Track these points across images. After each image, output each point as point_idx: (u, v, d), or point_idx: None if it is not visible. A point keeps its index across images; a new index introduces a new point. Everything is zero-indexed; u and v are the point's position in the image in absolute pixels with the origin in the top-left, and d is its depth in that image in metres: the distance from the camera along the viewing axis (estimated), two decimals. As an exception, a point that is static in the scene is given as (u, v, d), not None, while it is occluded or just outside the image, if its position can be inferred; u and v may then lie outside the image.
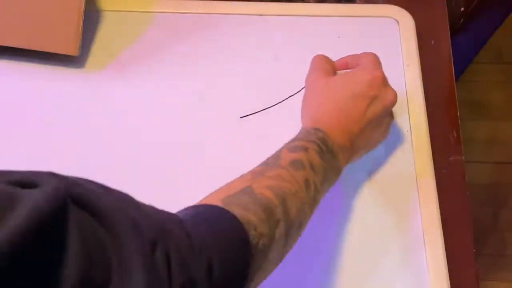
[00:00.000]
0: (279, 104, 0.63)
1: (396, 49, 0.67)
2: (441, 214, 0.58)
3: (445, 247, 0.56)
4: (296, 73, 0.65)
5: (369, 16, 0.69)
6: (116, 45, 0.67)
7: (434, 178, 0.59)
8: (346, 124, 0.51)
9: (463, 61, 1.23)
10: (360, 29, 0.68)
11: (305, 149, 0.48)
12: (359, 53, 0.57)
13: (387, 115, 0.55)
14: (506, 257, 1.37)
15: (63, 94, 0.64)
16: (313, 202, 0.47)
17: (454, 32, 1.02)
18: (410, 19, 0.69)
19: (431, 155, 0.61)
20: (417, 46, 0.67)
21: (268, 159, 0.48)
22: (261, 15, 0.69)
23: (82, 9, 0.63)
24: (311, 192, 0.46)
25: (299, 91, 0.64)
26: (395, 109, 0.63)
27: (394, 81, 0.64)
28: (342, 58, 0.58)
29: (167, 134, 0.62)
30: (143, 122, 0.63)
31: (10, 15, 0.63)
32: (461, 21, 1.01)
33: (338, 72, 0.58)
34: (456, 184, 0.61)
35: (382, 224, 0.57)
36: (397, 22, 0.68)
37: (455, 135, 0.63)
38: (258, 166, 0.47)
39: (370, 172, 0.60)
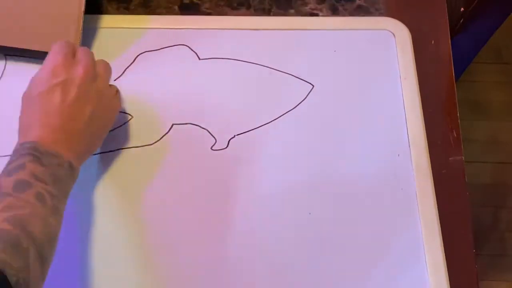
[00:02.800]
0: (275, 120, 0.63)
1: (392, 62, 0.66)
2: (441, 214, 0.58)
3: (445, 247, 0.56)
4: (292, 88, 0.64)
5: (365, 29, 0.68)
6: (116, 45, 0.67)
7: (432, 179, 0.59)
8: (47, 121, 0.50)
9: (463, 61, 1.23)
10: (356, 42, 0.67)
11: (22, 166, 0.47)
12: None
13: (91, 86, 0.53)
14: (506, 257, 1.37)
15: (63, 94, 0.64)
16: (56, 210, 0.46)
17: (454, 32, 1.02)
18: (406, 31, 0.68)
19: (429, 161, 0.60)
20: (413, 58, 0.66)
21: None
22: (256, 29, 0.68)
23: (82, 9, 0.63)
24: (49, 202, 0.46)
25: (295, 107, 0.63)
26: (392, 119, 0.62)
27: (391, 94, 0.64)
28: None
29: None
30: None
31: (10, 15, 0.63)
32: (461, 21, 1.01)
33: None
34: (456, 184, 0.61)
35: (382, 224, 0.57)
36: (393, 34, 0.68)
37: (455, 135, 0.63)
38: None
39: (369, 173, 0.60)
